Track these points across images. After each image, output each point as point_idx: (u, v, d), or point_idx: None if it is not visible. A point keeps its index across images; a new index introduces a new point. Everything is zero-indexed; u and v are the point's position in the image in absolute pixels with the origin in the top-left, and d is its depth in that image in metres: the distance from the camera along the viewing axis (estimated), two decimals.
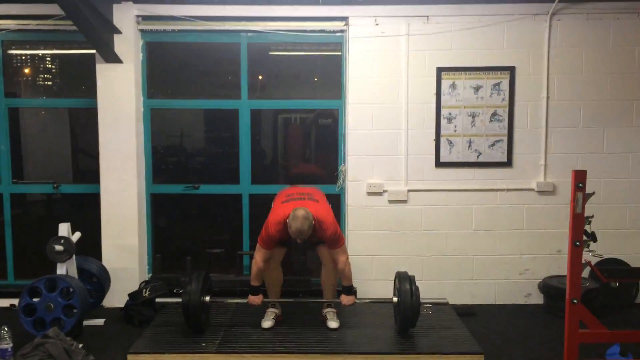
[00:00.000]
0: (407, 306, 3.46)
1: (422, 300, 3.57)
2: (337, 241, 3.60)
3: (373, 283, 4.54)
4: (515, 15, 4.38)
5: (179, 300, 3.63)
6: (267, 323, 3.75)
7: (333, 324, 3.74)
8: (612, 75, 4.41)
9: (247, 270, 4.72)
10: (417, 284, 3.56)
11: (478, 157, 4.48)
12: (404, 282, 3.56)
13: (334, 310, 3.83)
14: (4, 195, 4.70)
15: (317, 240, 3.64)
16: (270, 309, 3.83)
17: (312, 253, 3.81)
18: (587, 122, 4.45)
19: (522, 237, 4.52)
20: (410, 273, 4.45)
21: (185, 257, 4.63)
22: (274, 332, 3.73)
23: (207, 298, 3.70)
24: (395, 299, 3.62)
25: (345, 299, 3.67)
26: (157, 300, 4.01)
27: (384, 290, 4.51)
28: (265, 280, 3.79)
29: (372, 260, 4.54)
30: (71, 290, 3.78)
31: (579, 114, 4.45)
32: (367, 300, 4.10)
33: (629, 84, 4.42)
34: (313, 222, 3.45)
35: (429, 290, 4.49)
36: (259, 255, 3.62)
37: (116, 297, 4.39)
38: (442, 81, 4.43)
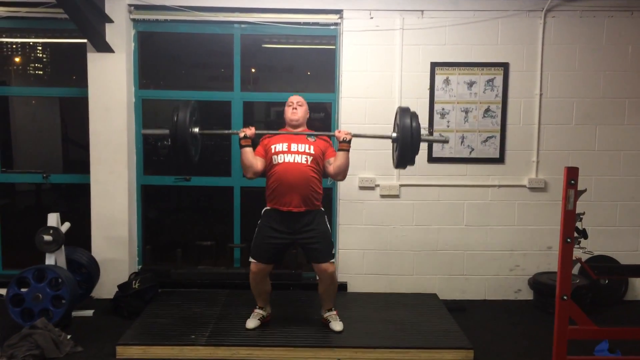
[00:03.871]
0: (406, 143, 3.29)
1: (422, 137, 3.39)
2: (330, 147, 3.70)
3: (364, 277, 4.54)
4: (510, 11, 4.37)
5: None
6: (251, 323, 3.68)
7: (337, 326, 3.65)
8: (605, 73, 4.42)
9: (238, 263, 4.71)
10: (418, 121, 3.33)
11: (470, 153, 4.48)
12: (404, 117, 3.32)
13: (335, 312, 3.75)
14: None
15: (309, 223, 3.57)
16: (257, 310, 3.75)
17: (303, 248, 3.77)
18: (579, 119, 4.46)
19: (513, 233, 4.53)
20: (401, 268, 4.53)
21: (176, 249, 4.62)
22: (264, 325, 3.72)
23: (196, 130, 3.52)
24: (394, 134, 3.46)
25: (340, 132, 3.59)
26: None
27: (375, 284, 4.53)
28: (254, 290, 3.74)
29: (363, 254, 4.54)
30: (60, 280, 3.75)
31: (572, 111, 4.45)
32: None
33: (622, 82, 4.43)
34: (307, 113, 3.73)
35: (419, 285, 4.53)
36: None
37: (105, 289, 4.37)
38: (436, 76, 4.42)
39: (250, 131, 3.55)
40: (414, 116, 3.34)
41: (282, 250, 3.68)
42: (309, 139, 3.62)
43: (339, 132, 3.57)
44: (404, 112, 3.36)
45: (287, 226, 3.54)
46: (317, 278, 3.73)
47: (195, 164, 3.68)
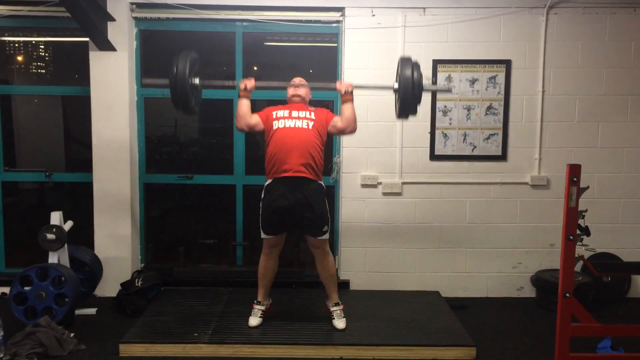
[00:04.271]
0: (407, 94, 3.33)
1: (425, 87, 3.42)
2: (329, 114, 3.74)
3: (366, 275, 4.54)
4: (512, 8, 4.36)
5: None
6: (254, 320, 3.69)
7: (340, 324, 3.65)
8: (607, 70, 4.41)
9: (240, 261, 4.72)
10: (420, 71, 3.36)
11: (473, 150, 4.48)
12: (406, 67, 3.34)
13: (341, 308, 3.75)
14: None
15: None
16: (257, 306, 3.76)
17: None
18: (582, 116, 4.45)
19: (515, 231, 4.53)
20: (403, 266, 4.53)
21: (178, 247, 4.62)
22: (266, 322, 3.72)
23: (197, 80, 3.50)
24: (396, 85, 3.47)
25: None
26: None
27: (378, 282, 4.53)
28: (262, 272, 3.76)
29: (365, 252, 4.54)
30: (63, 279, 3.76)
31: (574, 108, 4.44)
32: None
33: (625, 79, 4.41)
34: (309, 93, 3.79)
35: (422, 283, 4.53)
36: None
37: (108, 287, 4.38)
38: (438, 74, 4.41)
39: (251, 83, 3.63)
40: (416, 66, 3.36)
41: (288, 217, 3.60)
42: (308, 107, 3.67)
43: (340, 84, 3.65)
44: (405, 62, 3.39)
45: (288, 194, 3.52)
46: (315, 259, 3.76)
47: (195, 114, 3.75)
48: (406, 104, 3.39)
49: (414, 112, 3.46)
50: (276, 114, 3.62)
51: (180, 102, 3.43)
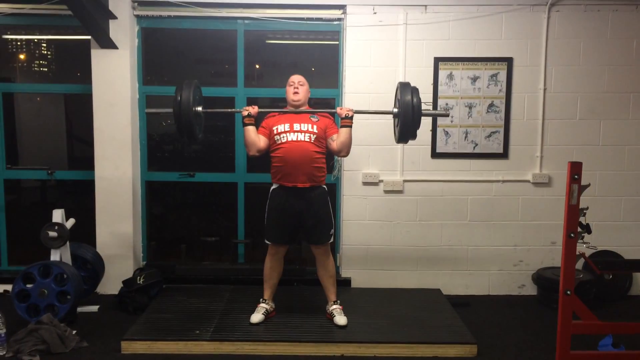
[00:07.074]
0: (407, 117, 3.35)
1: (423, 112, 3.45)
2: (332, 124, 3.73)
3: (368, 272, 4.55)
4: (514, 6, 4.36)
5: None
6: (256, 317, 3.69)
7: (341, 320, 3.66)
8: (609, 68, 4.40)
9: (242, 258, 4.73)
10: (419, 96, 3.40)
11: (474, 148, 4.48)
12: (405, 92, 3.38)
13: (340, 307, 3.76)
14: None
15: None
16: (262, 304, 3.78)
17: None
18: (583, 114, 4.44)
19: (516, 229, 4.53)
20: (405, 263, 4.53)
21: (180, 244, 4.63)
22: (268, 320, 3.73)
23: (200, 108, 3.59)
24: (395, 110, 3.49)
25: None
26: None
27: (379, 279, 4.54)
28: (267, 274, 3.79)
29: (367, 250, 4.54)
30: (65, 276, 3.77)
31: (576, 106, 4.44)
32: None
33: (627, 77, 4.41)
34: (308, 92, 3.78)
35: (423, 281, 4.53)
36: None
37: (110, 284, 4.39)
38: (440, 71, 4.41)
39: (254, 110, 3.63)
40: (415, 91, 3.38)
41: (294, 226, 3.69)
42: (311, 118, 3.66)
43: (341, 109, 3.63)
44: (404, 87, 3.40)
45: (293, 202, 3.60)
46: (316, 260, 3.80)
47: (199, 141, 3.81)
48: (406, 130, 3.41)
49: (413, 137, 3.48)
50: (277, 129, 3.62)
51: (185, 131, 3.52)
